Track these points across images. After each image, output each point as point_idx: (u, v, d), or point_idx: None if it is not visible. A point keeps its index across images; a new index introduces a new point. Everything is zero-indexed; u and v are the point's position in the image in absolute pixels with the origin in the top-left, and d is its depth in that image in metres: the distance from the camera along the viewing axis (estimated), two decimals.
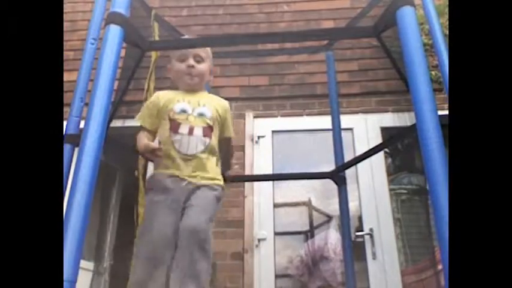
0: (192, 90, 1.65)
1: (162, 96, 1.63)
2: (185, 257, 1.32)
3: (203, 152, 1.52)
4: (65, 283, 0.92)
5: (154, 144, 1.53)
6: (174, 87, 1.70)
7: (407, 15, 1.21)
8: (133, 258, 1.43)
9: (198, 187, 1.48)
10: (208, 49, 1.70)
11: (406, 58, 1.17)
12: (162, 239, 1.36)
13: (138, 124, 1.61)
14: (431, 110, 1.08)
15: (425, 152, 1.05)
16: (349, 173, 2.19)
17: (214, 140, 1.57)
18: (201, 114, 1.57)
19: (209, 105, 1.61)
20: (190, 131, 1.52)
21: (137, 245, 1.47)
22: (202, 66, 1.65)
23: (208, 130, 1.56)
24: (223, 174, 1.64)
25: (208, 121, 1.57)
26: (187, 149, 1.50)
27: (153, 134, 1.61)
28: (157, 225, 1.39)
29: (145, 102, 1.89)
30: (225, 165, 1.74)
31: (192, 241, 1.33)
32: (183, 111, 1.56)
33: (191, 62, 1.63)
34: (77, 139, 1.19)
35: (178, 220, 1.40)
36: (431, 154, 1.04)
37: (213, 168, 1.55)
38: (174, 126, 1.53)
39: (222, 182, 1.57)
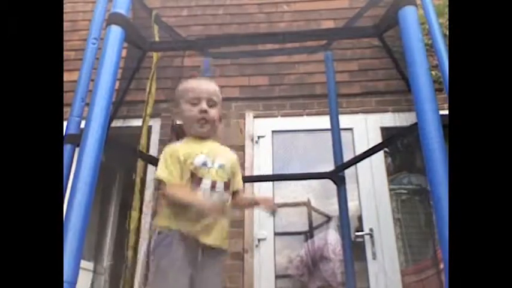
0: (203, 137, 1.53)
1: (180, 150, 1.47)
2: None
3: (227, 206, 1.47)
4: (65, 284, 0.92)
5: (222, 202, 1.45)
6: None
7: (410, 15, 1.21)
8: None
9: (214, 262, 1.44)
10: (219, 93, 1.59)
11: (408, 58, 1.17)
12: None
13: (162, 179, 1.43)
14: (432, 110, 1.08)
15: (426, 152, 1.05)
16: (348, 173, 2.19)
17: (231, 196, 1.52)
18: (220, 167, 1.48)
19: (225, 157, 1.52)
20: (213, 186, 1.44)
21: None
22: (215, 112, 1.52)
23: (227, 184, 1.49)
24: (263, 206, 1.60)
25: (226, 175, 1.49)
26: (216, 203, 1.44)
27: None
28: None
29: (145, 102, 1.88)
30: (249, 206, 1.72)
31: None
32: (204, 164, 1.45)
33: (204, 106, 1.49)
34: (78, 139, 1.19)
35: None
36: (432, 154, 1.04)
37: (226, 232, 1.48)
38: (196, 181, 1.42)
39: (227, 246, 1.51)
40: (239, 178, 1.58)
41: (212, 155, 1.48)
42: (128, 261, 1.71)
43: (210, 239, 1.40)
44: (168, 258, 1.35)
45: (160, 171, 1.44)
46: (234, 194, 1.54)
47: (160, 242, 1.40)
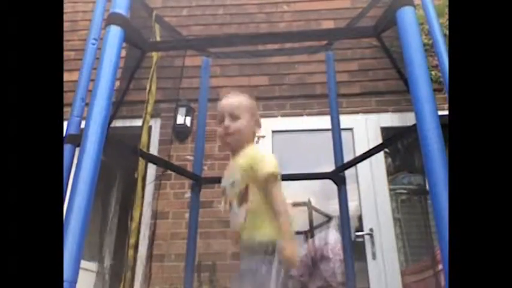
0: (235, 150, 1.56)
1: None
2: None
3: (243, 223, 1.45)
4: (65, 283, 0.92)
5: None
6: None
7: (408, 15, 1.21)
8: None
9: (247, 259, 1.45)
10: (245, 102, 1.61)
11: (406, 58, 1.17)
12: None
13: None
14: (431, 110, 1.08)
15: (425, 152, 1.05)
16: (349, 173, 2.19)
17: (252, 200, 1.44)
18: (232, 185, 1.50)
19: (237, 167, 1.51)
20: (231, 207, 1.50)
21: None
22: (239, 124, 1.54)
23: (242, 197, 1.46)
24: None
25: (239, 188, 1.47)
26: (233, 227, 1.50)
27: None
28: None
29: (146, 100, 1.89)
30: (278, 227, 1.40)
31: None
32: (224, 187, 1.56)
33: (226, 122, 1.54)
34: (78, 139, 1.19)
35: None
36: (431, 154, 1.04)
37: (256, 231, 1.43)
38: (228, 203, 1.52)
39: (264, 238, 1.40)
40: (257, 168, 1.43)
41: (228, 176, 1.54)
42: (129, 260, 1.71)
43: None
44: None
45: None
46: (261, 184, 1.46)
47: None
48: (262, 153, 1.52)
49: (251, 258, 1.41)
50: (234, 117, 1.54)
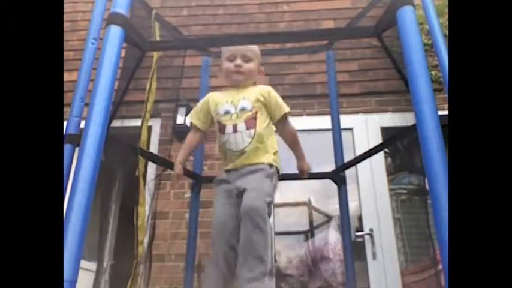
0: (239, 86, 1.74)
1: (212, 99, 1.76)
2: (243, 234, 1.46)
3: (250, 143, 1.62)
4: (65, 283, 0.92)
5: (178, 169, 1.70)
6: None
7: (408, 15, 1.21)
8: None
9: (248, 173, 1.59)
10: (256, 50, 1.79)
11: (407, 58, 1.17)
12: (219, 226, 1.59)
13: (191, 122, 1.79)
14: (431, 110, 1.08)
15: (425, 152, 1.05)
16: (349, 173, 2.19)
17: (260, 128, 1.64)
18: (242, 109, 1.66)
19: (250, 96, 1.69)
20: (235, 129, 1.64)
21: None
22: (250, 65, 1.74)
23: (251, 121, 1.64)
24: (299, 168, 1.80)
25: (250, 112, 1.65)
26: (236, 146, 1.62)
27: (202, 133, 1.81)
28: (216, 216, 1.62)
29: (146, 99, 1.89)
30: (296, 152, 1.80)
31: (247, 220, 1.46)
32: (227, 112, 1.67)
33: (238, 61, 1.72)
34: (77, 139, 1.19)
35: (236, 208, 1.54)
36: (431, 154, 1.04)
37: (262, 154, 1.63)
38: (221, 128, 1.66)
39: (269, 161, 1.63)
40: (275, 106, 1.70)
41: (236, 101, 1.68)
42: (138, 257, 1.71)
43: (244, 168, 1.62)
44: (217, 192, 1.67)
45: (189, 115, 1.82)
46: (277, 124, 1.72)
47: (215, 182, 1.69)
48: (274, 92, 1.74)
49: (252, 175, 1.58)
50: (247, 58, 1.73)
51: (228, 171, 1.66)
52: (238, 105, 1.67)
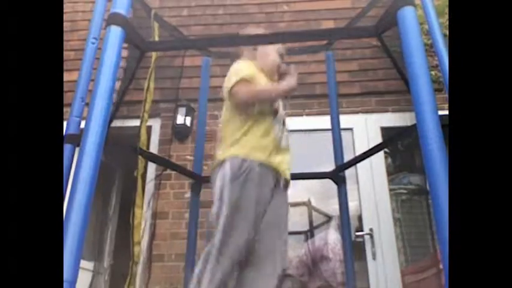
0: (268, 79, 1.73)
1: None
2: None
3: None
4: (64, 283, 0.92)
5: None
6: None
7: (408, 16, 1.21)
8: None
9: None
10: None
11: (407, 58, 1.17)
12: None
13: (242, 77, 1.59)
14: (431, 111, 1.08)
15: (425, 152, 1.05)
16: (349, 173, 2.19)
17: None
18: None
19: None
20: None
21: None
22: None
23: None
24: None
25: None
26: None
27: None
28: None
29: (144, 99, 1.89)
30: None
31: None
32: None
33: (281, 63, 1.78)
34: (78, 139, 1.19)
35: None
36: (431, 154, 1.04)
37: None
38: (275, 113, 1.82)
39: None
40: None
41: None
42: (135, 257, 1.71)
43: (287, 172, 1.67)
44: (253, 183, 1.47)
45: (241, 72, 1.60)
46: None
47: (241, 166, 1.48)
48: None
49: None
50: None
51: (277, 164, 1.72)
52: None
